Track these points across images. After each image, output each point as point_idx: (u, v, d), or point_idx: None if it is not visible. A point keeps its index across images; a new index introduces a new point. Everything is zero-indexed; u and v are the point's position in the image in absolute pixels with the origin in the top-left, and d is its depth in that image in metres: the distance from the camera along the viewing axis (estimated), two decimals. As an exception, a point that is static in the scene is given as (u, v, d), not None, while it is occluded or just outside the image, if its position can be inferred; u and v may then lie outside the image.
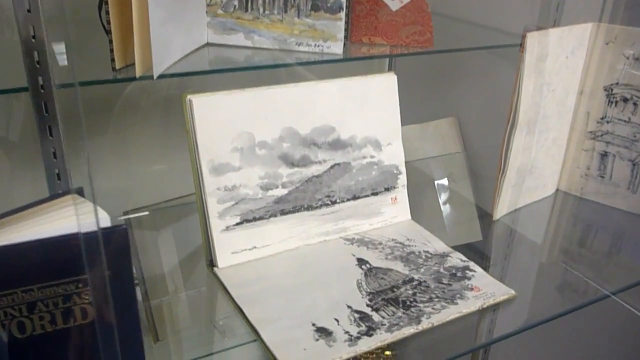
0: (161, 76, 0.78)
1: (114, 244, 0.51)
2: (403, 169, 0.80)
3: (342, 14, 0.88)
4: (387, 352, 0.86)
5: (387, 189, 0.79)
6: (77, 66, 0.84)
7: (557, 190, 0.92)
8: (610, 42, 0.81)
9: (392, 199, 0.79)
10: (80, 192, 0.60)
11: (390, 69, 1.43)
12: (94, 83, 0.82)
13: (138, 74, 0.76)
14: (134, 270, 0.84)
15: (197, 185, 0.68)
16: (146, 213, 0.90)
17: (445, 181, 1.25)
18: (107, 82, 0.77)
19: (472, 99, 1.23)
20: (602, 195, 0.88)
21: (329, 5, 0.88)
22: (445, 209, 1.21)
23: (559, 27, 0.77)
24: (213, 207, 0.67)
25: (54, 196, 0.56)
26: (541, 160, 0.85)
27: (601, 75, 0.83)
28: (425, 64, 1.35)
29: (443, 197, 1.23)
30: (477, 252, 1.10)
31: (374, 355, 0.84)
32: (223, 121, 0.67)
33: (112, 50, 0.77)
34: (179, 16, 0.83)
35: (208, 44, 0.93)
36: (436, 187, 1.24)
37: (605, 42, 0.82)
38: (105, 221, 0.52)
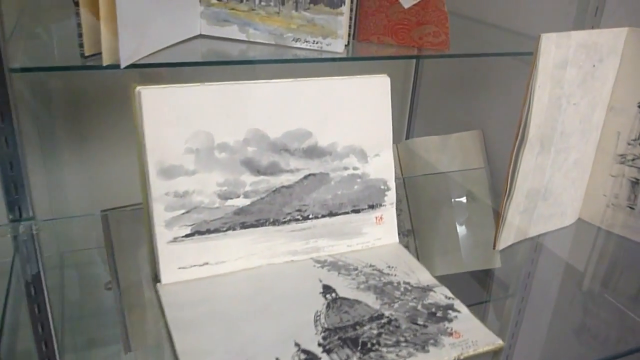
0: (132, 66, 0.71)
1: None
2: (392, 185, 0.70)
3: (344, 9, 0.79)
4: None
5: (371, 207, 0.69)
6: (49, 50, 0.78)
7: (579, 219, 0.80)
8: (648, 50, 0.69)
9: (376, 218, 0.69)
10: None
11: (416, 74, 1.33)
12: (53, 69, 0.75)
13: (105, 61, 0.69)
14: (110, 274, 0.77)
15: (143, 189, 0.60)
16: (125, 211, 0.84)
17: (464, 199, 1.14)
18: (70, 69, 0.71)
19: (500, 112, 1.11)
20: (631, 230, 0.75)
21: (329, -3, 0.79)
22: (462, 230, 1.10)
23: (585, 30, 0.66)
24: (159, 215, 0.59)
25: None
26: (558, 185, 0.73)
27: (636, 89, 0.70)
28: (450, 70, 1.24)
29: (460, 216, 1.12)
30: (493, 281, 0.98)
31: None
32: (177, 118, 0.59)
33: (80, 35, 0.70)
34: (162, 1, 0.76)
35: (201, 36, 0.85)
36: (453, 205, 1.14)
37: (643, 51, 0.69)
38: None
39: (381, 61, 1.05)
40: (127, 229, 0.84)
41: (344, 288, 0.61)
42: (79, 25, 0.69)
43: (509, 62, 1.04)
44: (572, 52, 0.65)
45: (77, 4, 0.68)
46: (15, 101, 0.68)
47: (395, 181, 1.18)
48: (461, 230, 1.09)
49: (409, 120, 1.35)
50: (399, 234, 0.72)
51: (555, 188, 0.73)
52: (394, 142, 1.21)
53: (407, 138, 1.36)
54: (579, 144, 0.72)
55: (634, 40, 0.70)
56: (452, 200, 1.14)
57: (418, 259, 1.12)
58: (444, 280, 1.00)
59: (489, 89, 1.12)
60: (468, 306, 0.78)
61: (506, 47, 0.98)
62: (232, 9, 0.83)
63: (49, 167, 1.05)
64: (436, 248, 1.10)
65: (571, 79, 0.66)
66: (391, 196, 0.70)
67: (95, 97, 1.05)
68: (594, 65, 0.67)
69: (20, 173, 0.69)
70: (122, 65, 0.69)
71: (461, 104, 1.21)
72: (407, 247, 1.09)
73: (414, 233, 1.13)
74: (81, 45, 0.70)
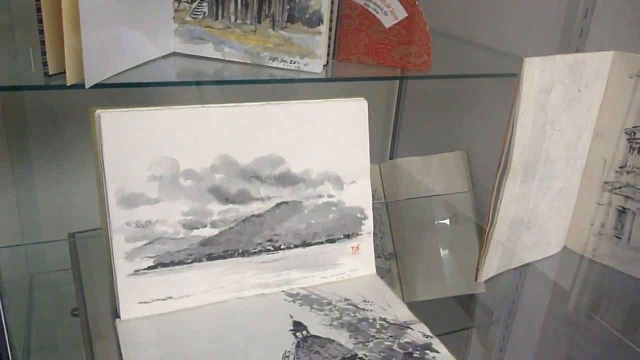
0: (97, 85, 0.68)
1: None
2: (369, 213, 0.67)
3: (322, 28, 0.76)
4: None
5: (347, 236, 0.66)
6: (13, 68, 0.75)
7: (564, 248, 0.77)
8: (635, 75, 0.66)
9: (353, 248, 0.66)
10: None
11: (400, 93, 1.31)
12: (12, 89, 0.72)
13: (69, 80, 0.65)
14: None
15: (102, 218, 0.56)
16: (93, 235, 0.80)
17: (447, 222, 1.11)
18: (32, 89, 0.67)
19: (484, 133, 1.08)
20: (618, 260, 0.72)
21: (307, 16, 0.76)
22: (445, 253, 1.08)
23: (570, 54, 0.63)
24: (119, 246, 0.56)
25: None
26: (543, 213, 0.70)
27: (622, 115, 0.68)
28: (434, 89, 1.22)
29: (444, 240, 1.09)
30: (477, 306, 0.95)
31: None
32: (139, 143, 0.55)
33: (44, 52, 0.66)
34: (133, 18, 0.73)
35: (175, 54, 0.82)
36: (437, 228, 1.11)
37: (629, 76, 0.67)
38: None
39: (362, 81, 1.03)
40: (96, 253, 0.80)
41: (316, 325, 0.58)
42: (42, 42, 0.66)
43: (493, 82, 1.01)
44: (557, 77, 0.62)
45: (40, 21, 0.65)
46: None
47: (378, 203, 1.16)
48: (444, 254, 1.06)
49: (392, 140, 1.32)
50: (381, 257, 0.69)
51: (540, 217, 0.70)
52: (376, 162, 1.19)
53: (390, 158, 1.33)
54: (564, 171, 0.69)
55: (620, 64, 0.67)
56: (436, 222, 1.11)
57: (400, 283, 1.09)
58: (426, 304, 0.97)
59: (473, 109, 1.10)
60: (451, 333, 0.74)
61: (490, 68, 0.95)
62: (207, 26, 0.80)
63: (20, 189, 1.01)
64: (419, 272, 1.07)
65: (556, 104, 0.63)
66: (368, 225, 0.67)
67: (69, 117, 1.01)
68: (579, 90, 0.65)
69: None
70: (87, 85, 0.65)
71: (445, 125, 1.19)
72: (389, 271, 1.06)
73: (397, 256, 1.09)
74: (45, 64, 0.66)
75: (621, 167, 0.70)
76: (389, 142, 1.32)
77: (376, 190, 1.19)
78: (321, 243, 0.64)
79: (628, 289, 0.72)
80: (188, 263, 0.58)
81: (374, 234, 1.02)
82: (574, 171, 0.71)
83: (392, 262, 1.08)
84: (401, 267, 1.08)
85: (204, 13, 0.79)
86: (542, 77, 0.60)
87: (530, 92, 0.60)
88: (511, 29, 0.98)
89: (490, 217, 0.65)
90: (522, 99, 0.59)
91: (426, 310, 0.68)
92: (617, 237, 0.72)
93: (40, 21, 0.64)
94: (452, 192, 1.12)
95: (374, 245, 0.67)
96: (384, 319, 0.59)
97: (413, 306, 0.63)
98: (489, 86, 1.03)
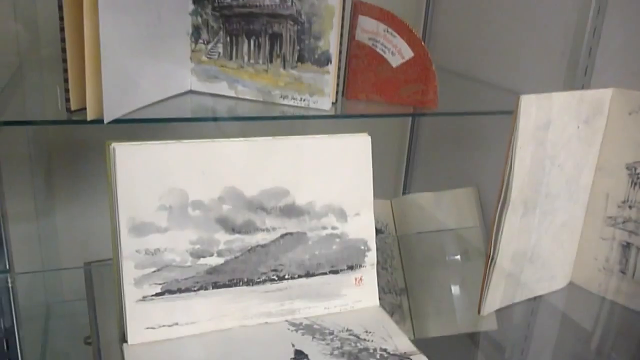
0: (116, 121, 0.71)
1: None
2: (373, 246, 0.68)
3: (331, 67, 0.80)
4: None
5: (350, 268, 0.67)
6: (38, 103, 0.79)
7: (571, 283, 0.77)
8: (634, 112, 0.67)
9: (356, 279, 0.67)
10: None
11: (412, 130, 1.33)
12: (33, 123, 0.76)
13: (90, 116, 0.69)
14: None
15: (114, 245, 0.59)
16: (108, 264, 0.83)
17: (458, 257, 1.12)
18: (53, 124, 0.71)
19: (494, 169, 1.09)
20: (624, 296, 0.72)
21: (316, 57, 0.80)
22: (456, 289, 1.08)
23: (567, 92, 0.65)
24: (129, 272, 0.58)
25: None
26: (546, 247, 0.71)
27: (623, 151, 0.69)
28: (445, 126, 1.24)
29: (455, 276, 1.09)
30: (489, 343, 0.95)
31: None
32: (151, 174, 0.58)
33: (67, 89, 0.71)
34: (152, 58, 0.77)
35: (191, 92, 0.86)
36: (448, 263, 1.11)
37: (629, 112, 0.68)
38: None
39: (374, 118, 1.06)
40: (111, 282, 0.83)
41: (317, 354, 0.59)
42: (66, 80, 0.70)
43: (501, 119, 1.03)
44: (554, 113, 0.64)
45: (65, 60, 0.69)
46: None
47: (389, 237, 1.17)
48: (456, 290, 1.06)
49: (405, 176, 1.34)
50: (392, 293, 0.70)
51: (543, 251, 0.70)
52: (389, 198, 1.21)
53: (404, 193, 1.34)
54: (567, 206, 0.70)
55: (619, 100, 0.69)
56: (447, 258, 1.11)
57: (411, 319, 1.09)
58: (438, 341, 0.97)
59: (483, 146, 1.12)
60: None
61: (497, 105, 0.97)
62: (222, 65, 0.84)
63: (41, 217, 1.05)
64: (430, 308, 1.07)
65: (555, 140, 0.65)
66: (371, 257, 0.68)
67: (89, 149, 1.06)
68: (578, 127, 0.66)
69: (-1, 226, 0.69)
70: (106, 121, 0.69)
71: (457, 161, 1.20)
72: (400, 306, 1.07)
73: (408, 292, 1.10)
74: (67, 100, 0.71)
75: (623, 202, 0.70)
76: (402, 178, 1.34)
77: (387, 225, 1.20)
78: (325, 274, 0.66)
79: (634, 325, 0.72)
80: (194, 290, 0.60)
81: (385, 269, 1.04)
82: (577, 206, 0.72)
83: (403, 297, 1.09)
84: (412, 303, 1.08)
85: (219, 53, 0.84)
86: (539, 113, 0.62)
87: (528, 127, 0.62)
88: (518, 67, 1.00)
89: (492, 249, 0.66)
90: (519, 134, 0.61)
91: (438, 347, 0.69)
92: (622, 272, 0.72)
93: (64, 60, 0.69)
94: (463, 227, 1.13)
95: (385, 280, 0.69)
96: (385, 350, 0.60)
97: (424, 342, 0.64)
98: (498, 123, 1.05)
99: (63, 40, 0.67)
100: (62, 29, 0.67)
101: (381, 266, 1.12)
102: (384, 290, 1.09)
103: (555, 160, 0.66)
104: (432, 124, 1.28)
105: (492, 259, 0.66)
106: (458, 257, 1.12)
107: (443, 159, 1.26)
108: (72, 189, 1.04)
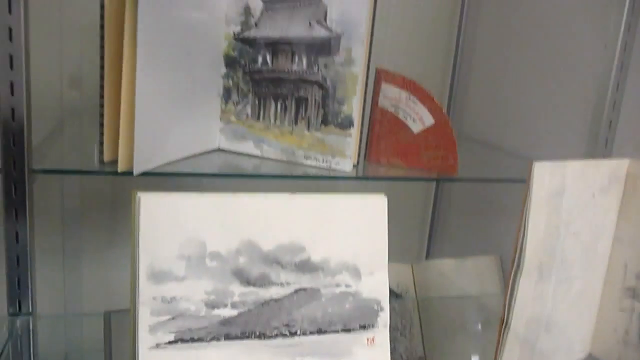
0: (145, 173, 0.75)
1: None
2: (386, 306, 0.69)
3: (353, 131, 0.83)
4: None
5: (363, 327, 0.67)
6: (74, 153, 0.84)
7: (590, 355, 0.75)
8: (650, 183, 0.68)
9: (368, 339, 0.67)
10: None
11: (436, 196, 1.34)
12: (67, 172, 0.80)
13: (121, 168, 0.73)
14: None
15: (132, 291, 0.61)
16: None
17: (478, 327, 1.10)
18: (86, 174, 0.75)
19: (517, 238, 1.09)
20: (645, 371, 0.70)
21: (339, 120, 0.83)
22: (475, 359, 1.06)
23: (582, 160, 0.66)
24: (144, 319, 0.60)
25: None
26: (563, 316, 0.70)
27: (641, 222, 0.69)
28: (469, 193, 1.25)
29: (475, 344, 1.08)
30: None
31: None
32: (172, 224, 0.61)
33: (101, 143, 0.75)
34: (184, 116, 0.81)
35: (219, 149, 0.90)
36: (468, 332, 1.09)
37: (645, 183, 0.69)
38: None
39: (397, 183, 1.07)
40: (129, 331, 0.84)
41: (325, 411, 0.58)
42: (102, 133, 0.75)
43: (524, 187, 1.04)
44: (568, 181, 0.65)
45: (102, 115, 0.74)
46: (32, 201, 0.72)
47: (410, 303, 1.16)
48: (475, 359, 1.04)
49: (428, 241, 1.34)
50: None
51: (560, 319, 0.70)
52: (410, 263, 1.21)
53: (426, 258, 1.34)
54: (584, 274, 0.70)
55: (636, 171, 0.70)
56: (467, 326, 1.10)
57: (429, 388, 1.07)
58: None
59: (507, 213, 1.12)
60: None
61: (518, 173, 0.99)
62: (250, 126, 0.88)
63: (68, 265, 1.08)
64: (448, 378, 1.05)
65: (569, 207, 0.65)
66: (384, 317, 0.68)
67: (119, 199, 1.10)
68: (593, 195, 0.67)
69: (26, 269, 0.72)
70: (135, 173, 0.73)
71: (480, 227, 1.21)
72: (418, 374, 1.04)
73: (426, 360, 1.08)
74: (101, 152, 0.75)
75: (642, 273, 0.70)
76: (425, 243, 1.34)
77: (408, 291, 1.19)
78: (337, 332, 0.66)
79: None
80: (207, 341, 0.61)
81: (404, 336, 1.03)
82: (594, 275, 0.71)
83: (422, 365, 1.07)
84: (431, 372, 1.07)
85: (247, 114, 0.88)
86: (553, 180, 0.63)
87: (541, 194, 0.63)
88: (540, 137, 1.02)
89: (506, 314, 0.66)
90: (532, 200, 0.62)
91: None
92: (642, 345, 0.70)
93: (101, 115, 0.74)
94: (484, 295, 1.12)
95: (404, 347, 0.68)
96: (393, 411, 0.60)
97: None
98: (520, 191, 1.06)
99: (102, 96, 0.72)
100: (102, 86, 0.72)
101: (400, 332, 1.11)
102: (402, 357, 1.07)
103: (570, 227, 0.66)
104: (456, 190, 1.29)
105: (506, 323, 0.65)
106: (479, 326, 1.10)
107: (466, 225, 1.26)
108: (100, 237, 1.07)
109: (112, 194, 1.07)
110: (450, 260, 1.17)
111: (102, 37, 0.71)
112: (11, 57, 0.64)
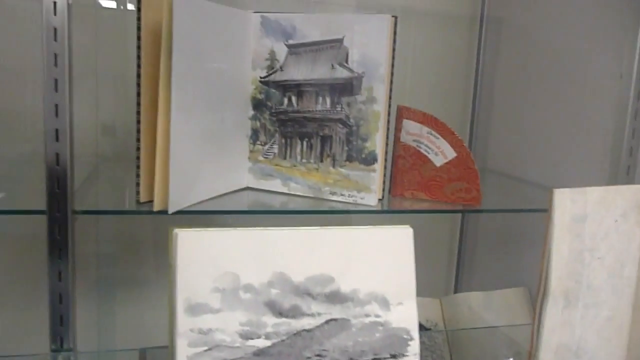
0: (179, 212, 0.79)
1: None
2: (416, 335, 0.70)
3: (377, 166, 0.86)
4: None
5: (393, 357, 0.69)
6: (113, 195, 0.88)
7: (623, 383, 0.75)
8: (672, 207, 0.69)
9: (399, 368, 0.69)
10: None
11: (462, 228, 1.35)
12: (107, 213, 0.84)
13: (156, 207, 0.77)
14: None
15: (170, 323, 0.63)
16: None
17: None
18: (123, 214, 0.79)
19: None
20: (680, 397, 0.70)
21: (363, 156, 0.86)
22: (508, 393, 1.05)
23: (602, 187, 0.68)
24: (182, 350, 0.62)
25: None
26: (592, 342, 0.70)
27: (665, 246, 0.70)
28: (494, 225, 1.26)
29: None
30: None
31: None
32: (207, 259, 0.64)
33: (138, 184, 0.79)
34: (214, 158, 0.85)
35: (248, 188, 0.94)
36: (498, 365, 1.09)
37: (668, 208, 0.70)
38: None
39: (423, 216, 1.09)
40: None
41: None
42: (138, 175, 0.79)
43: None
44: (590, 207, 0.66)
45: (138, 158, 0.78)
46: (74, 240, 0.75)
47: (439, 338, 1.16)
48: (508, 393, 1.04)
49: (456, 275, 1.35)
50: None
51: (589, 346, 0.70)
52: (438, 297, 1.21)
53: (455, 292, 1.34)
54: (611, 300, 0.71)
55: (658, 197, 0.71)
56: None
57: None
58: None
59: (534, 245, 1.13)
60: None
61: (541, 204, 1.00)
62: (277, 165, 0.91)
63: (102, 301, 1.11)
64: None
65: (592, 232, 0.67)
66: (414, 347, 0.69)
67: (153, 237, 1.13)
68: (616, 220, 0.68)
69: (68, 306, 0.75)
70: (170, 211, 0.77)
71: (508, 259, 1.21)
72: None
73: (458, 394, 1.07)
74: (138, 193, 0.79)
75: (670, 298, 0.70)
76: (453, 276, 1.35)
77: (437, 325, 1.19)
78: (368, 361, 0.68)
79: None
80: (242, 371, 0.63)
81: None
82: (622, 300, 0.72)
83: (454, 399, 1.06)
84: (463, 406, 1.06)
85: (274, 153, 0.91)
86: (574, 207, 0.65)
87: (563, 220, 0.64)
88: (562, 168, 1.03)
89: (535, 342, 0.66)
90: (555, 226, 0.64)
91: None
92: (675, 371, 0.70)
93: (137, 158, 0.78)
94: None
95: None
96: None
97: None
98: (544, 221, 1.06)
99: (138, 139, 0.77)
100: (138, 130, 0.76)
101: (431, 366, 1.11)
102: (434, 391, 1.07)
103: (594, 252, 0.67)
104: (482, 223, 1.30)
105: (536, 351, 0.66)
106: (510, 359, 1.10)
107: (494, 258, 1.26)
108: (134, 275, 1.11)
109: (143, 234, 1.11)
110: (478, 294, 1.17)
111: (138, 85, 0.75)
112: (57, 107, 0.69)
